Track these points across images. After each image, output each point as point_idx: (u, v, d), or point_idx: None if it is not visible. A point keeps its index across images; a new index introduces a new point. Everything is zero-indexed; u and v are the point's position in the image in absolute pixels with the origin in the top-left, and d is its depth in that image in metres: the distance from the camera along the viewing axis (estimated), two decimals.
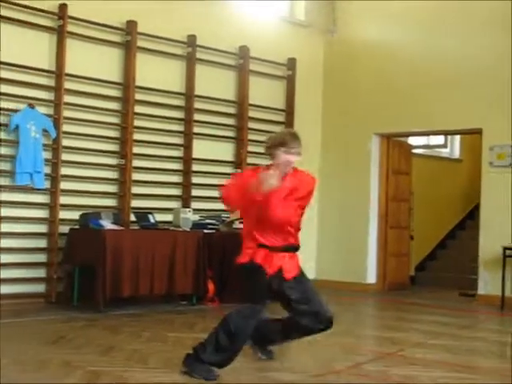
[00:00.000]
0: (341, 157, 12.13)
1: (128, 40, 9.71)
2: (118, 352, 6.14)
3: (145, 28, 9.80)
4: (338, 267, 11.90)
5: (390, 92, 11.66)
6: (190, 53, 10.43)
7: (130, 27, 9.70)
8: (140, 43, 9.83)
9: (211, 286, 9.38)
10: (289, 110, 11.77)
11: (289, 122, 11.73)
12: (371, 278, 11.84)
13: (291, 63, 11.74)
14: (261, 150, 11.16)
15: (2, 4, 8.60)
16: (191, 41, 10.41)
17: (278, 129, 11.55)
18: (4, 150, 8.77)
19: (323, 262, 12.09)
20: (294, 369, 5.74)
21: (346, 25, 12.23)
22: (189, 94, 10.42)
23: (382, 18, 11.88)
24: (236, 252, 5.54)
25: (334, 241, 12.07)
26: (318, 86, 12.38)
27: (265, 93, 11.44)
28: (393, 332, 7.94)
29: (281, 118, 11.73)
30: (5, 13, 8.64)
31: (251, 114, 11.16)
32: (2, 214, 8.68)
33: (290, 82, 11.80)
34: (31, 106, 8.80)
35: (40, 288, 9.09)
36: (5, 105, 8.70)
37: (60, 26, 9.09)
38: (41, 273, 9.11)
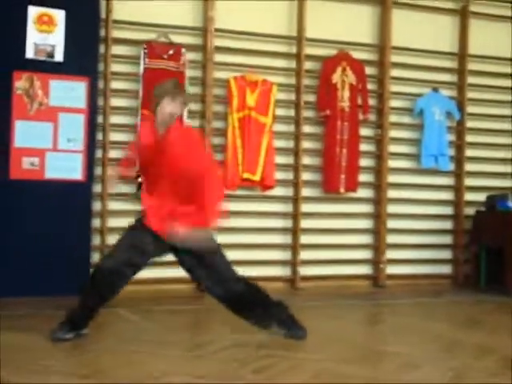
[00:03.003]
0: None
1: None
2: None
3: None
4: None
5: None
6: None
7: None
8: None
9: None
10: None
11: None
12: None
13: None
14: None
15: None
16: None
17: None
18: (409, 134, 9.00)
19: None
20: None
21: None
22: None
23: None
24: None
25: None
26: None
27: None
28: None
29: None
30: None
31: None
32: (406, 196, 8.93)
33: None
34: (435, 90, 8.91)
35: (447, 269, 9.19)
36: (409, 90, 8.92)
37: (463, 7, 9.08)
38: (447, 254, 9.20)
